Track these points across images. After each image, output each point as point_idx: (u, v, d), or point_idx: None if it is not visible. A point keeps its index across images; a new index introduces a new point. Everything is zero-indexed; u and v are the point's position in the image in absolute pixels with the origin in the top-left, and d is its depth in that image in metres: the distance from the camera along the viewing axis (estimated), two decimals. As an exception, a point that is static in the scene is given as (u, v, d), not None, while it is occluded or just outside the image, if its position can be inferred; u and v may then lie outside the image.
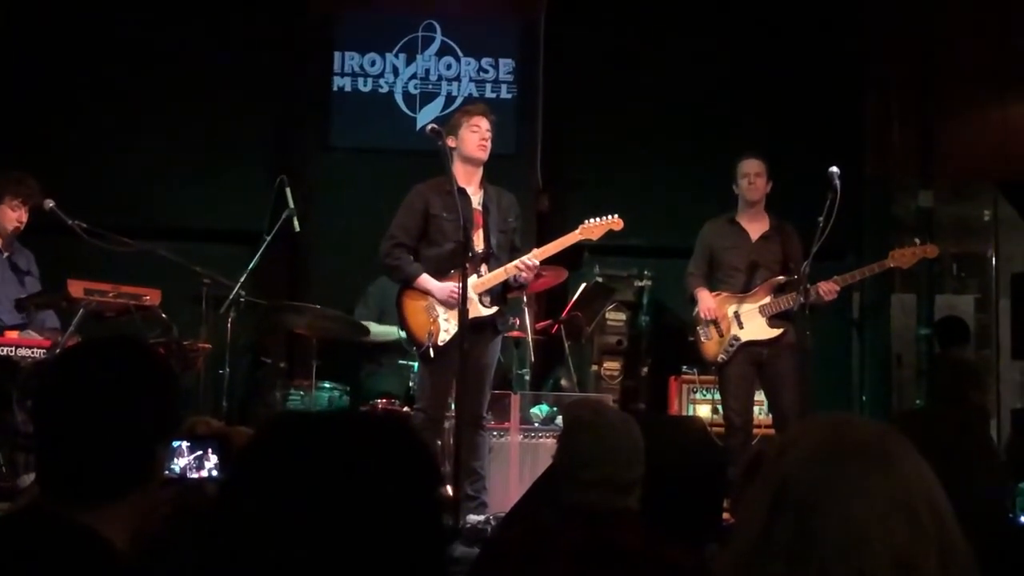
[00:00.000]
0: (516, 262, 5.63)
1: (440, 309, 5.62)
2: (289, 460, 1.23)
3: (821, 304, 6.15)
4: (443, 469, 5.96)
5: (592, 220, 5.84)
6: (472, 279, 5.51)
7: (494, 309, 5.69)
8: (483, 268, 5.68)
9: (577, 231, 5.83)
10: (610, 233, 5.87)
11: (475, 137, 5.66)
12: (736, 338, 6.30)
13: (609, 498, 2.73)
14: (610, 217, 5.84)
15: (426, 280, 5.63)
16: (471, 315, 5.39)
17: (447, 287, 5.55)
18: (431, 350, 5.55)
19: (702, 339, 6.39)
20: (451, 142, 5.67)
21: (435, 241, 5.68)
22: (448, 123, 5.80)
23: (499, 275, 5.65)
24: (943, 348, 7.81)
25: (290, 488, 1.21)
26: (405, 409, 6.25)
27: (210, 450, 3.46)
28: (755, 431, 6.40)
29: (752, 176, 6.40)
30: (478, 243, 5.66)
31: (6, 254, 6.24)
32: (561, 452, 2.86)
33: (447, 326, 5.58)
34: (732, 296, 6.40)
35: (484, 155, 5.70)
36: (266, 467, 1.24)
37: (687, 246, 6.67)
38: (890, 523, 1.22)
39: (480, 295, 5.63)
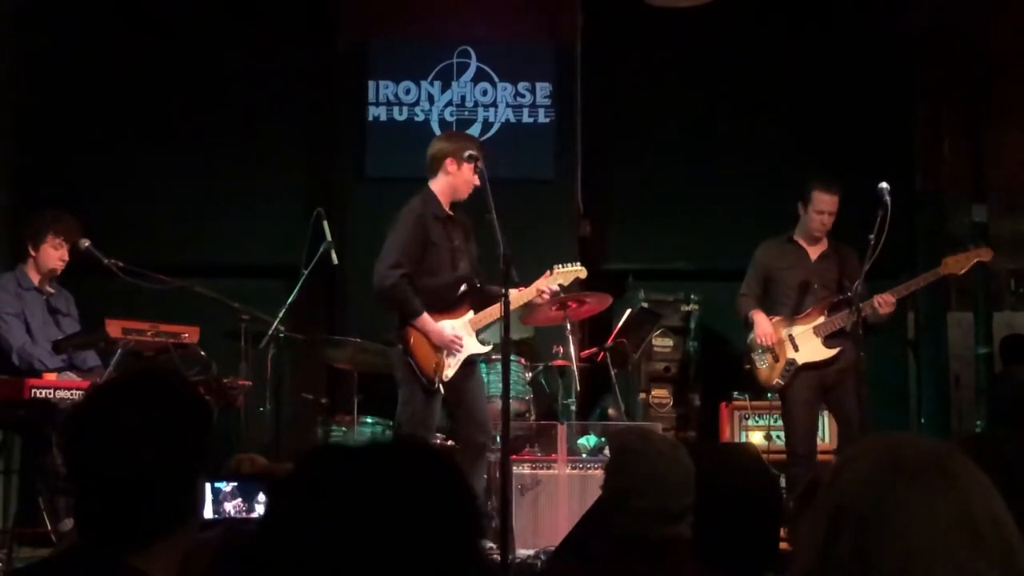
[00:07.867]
0: (535, 289, 5.68)
1: None
2: (327, 493, 1.21)
3: (878, 319, 6.00)
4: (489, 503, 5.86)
5: (559, 267, 5.84)
6: (468, 316, 5.61)
7: (490, 347, 5.77)
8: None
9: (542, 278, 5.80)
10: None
11: (474, 179, 5.60)
12: (792, 361, 6.13)
13: (660, 527, 2.70)
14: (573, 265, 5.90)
15: (427, 321, 5.57)
16: (468, 353, 5.60)
17: (445, 334, 5.52)
18: (440, 386, 5.54)
19: (758, 365, 6.22)
20: (450, 164, 5.57)
21: (431, 270, 5.62)
22: (453, 144, 5.75)
23: (494, 311, 5.60)
24: (1006, 366, 7.56)
25: (329, 522, 1.18)
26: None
27: (260, 493, 3.37)
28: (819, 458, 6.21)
29: (827, 216, 6.22)
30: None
31: (44, 296, 6.18)
32: (610, 481, 2.84)
33: (451, 362, 5.59)
34: (785, 319, 6.22)
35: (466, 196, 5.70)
36: (304, 501, 1.22)
37: (733, 268, 6.51)
38: (951, 541, 1.20)
39: (477, 332, 5.70)
